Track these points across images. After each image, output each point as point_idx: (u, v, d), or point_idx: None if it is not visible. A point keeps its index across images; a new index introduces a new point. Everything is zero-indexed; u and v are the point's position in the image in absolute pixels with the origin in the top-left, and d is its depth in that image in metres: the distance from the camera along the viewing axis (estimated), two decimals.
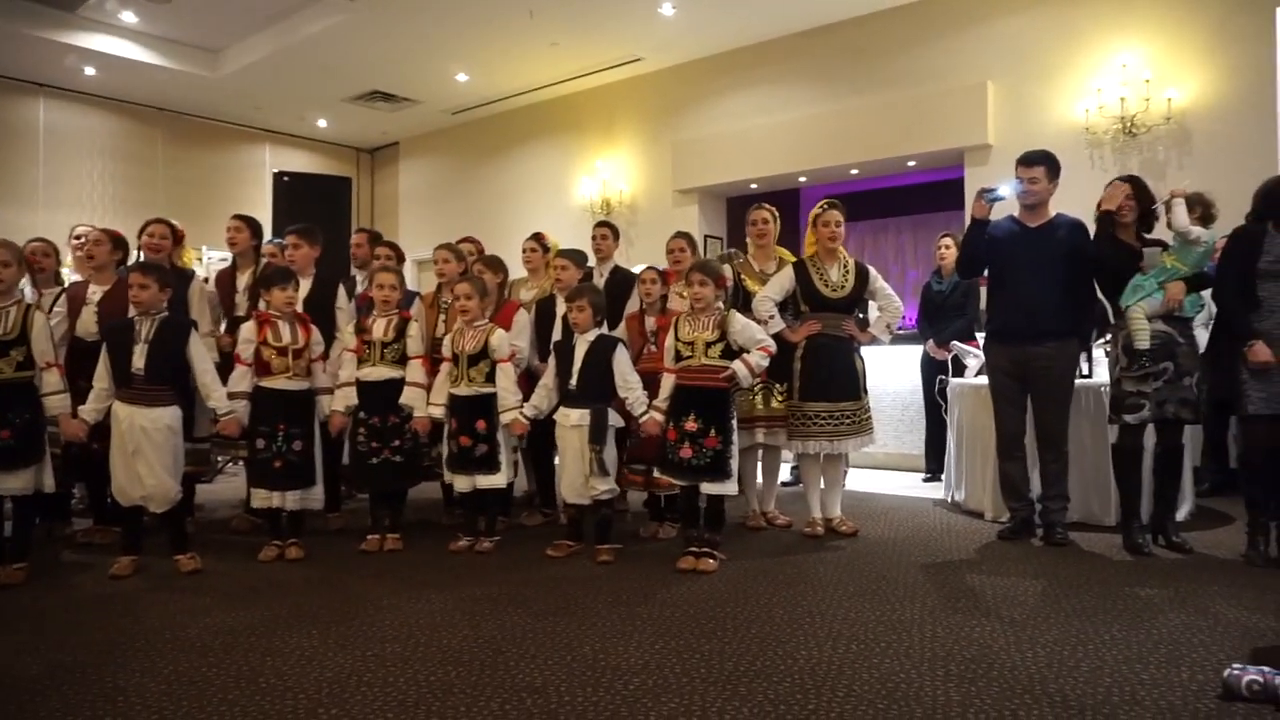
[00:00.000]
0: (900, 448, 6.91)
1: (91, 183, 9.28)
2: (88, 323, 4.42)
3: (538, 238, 5.51)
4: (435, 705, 2.58)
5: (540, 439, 4.72)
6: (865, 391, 4.76)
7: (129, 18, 8.08)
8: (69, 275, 5.49)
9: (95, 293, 4.62)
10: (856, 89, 7.99)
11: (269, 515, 4.43)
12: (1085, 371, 4.98)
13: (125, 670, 2.87)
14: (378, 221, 10.24)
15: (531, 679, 2.79)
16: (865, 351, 4.92)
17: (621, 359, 4.29)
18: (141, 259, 4.75)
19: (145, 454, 3.94)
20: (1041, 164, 4.44)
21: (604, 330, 4.45)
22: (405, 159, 11.21)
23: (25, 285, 4.64)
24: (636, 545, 4.59)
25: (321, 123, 10.44)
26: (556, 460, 5.15)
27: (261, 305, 4.51)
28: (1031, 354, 4.42)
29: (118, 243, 4.82)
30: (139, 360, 3.96)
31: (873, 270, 4.81)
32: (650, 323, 4.80)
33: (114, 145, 9.52)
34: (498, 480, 4.42)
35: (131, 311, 4.16)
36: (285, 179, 7.17)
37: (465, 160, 10.61)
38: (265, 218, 5.88)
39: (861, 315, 5.39)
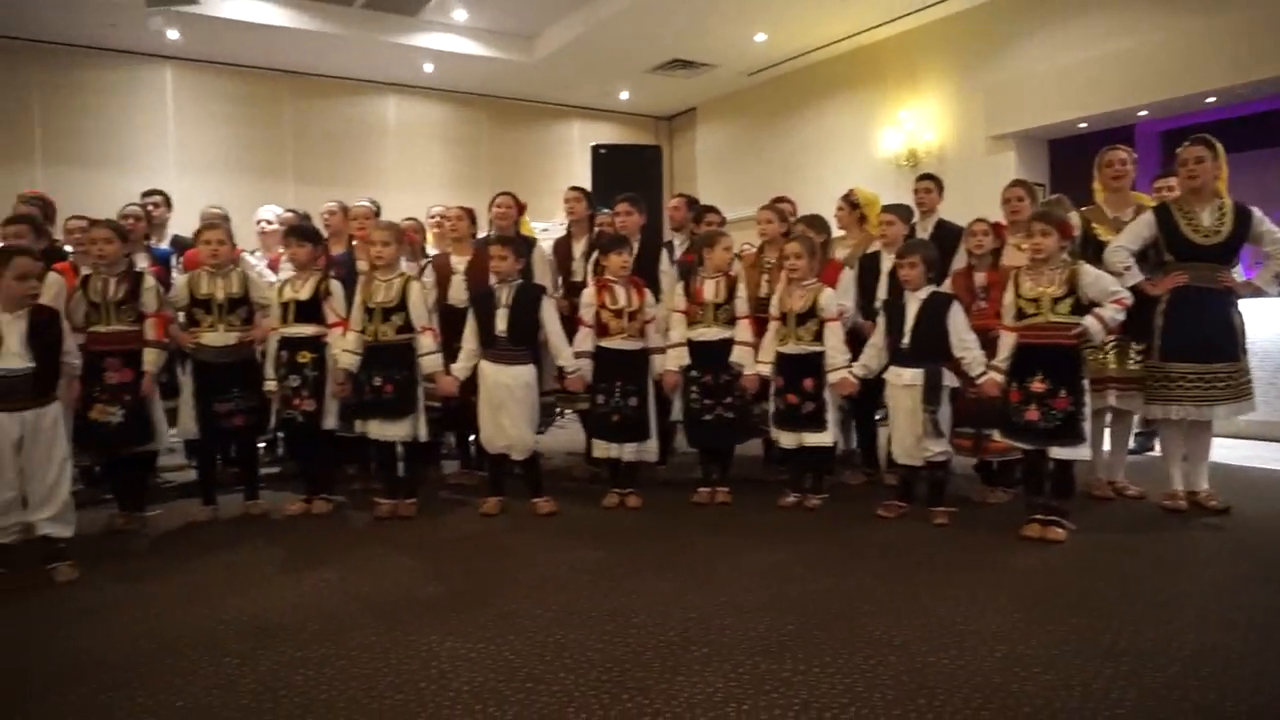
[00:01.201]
0: (1272, 414, 6.02)
1: (430, 166, 10.41)
2: (458, 290, 4.96)
3: (847, 196, 5.39)
4: (801, 653, 2.66)
5: (862, 397, 4.66)
6: (1244, 351, 4.19)
7: (460, 15, 8.91)
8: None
9: (459, 263, 5.17)
10: (1207, 5, 6.96)
11: (609, 465, 4.76)
12: None
13: (515, 598, 3.23)
14: (678, 186, 10.55)
15: (890, 635, 2.78)
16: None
17: (957, 317, 4.11)
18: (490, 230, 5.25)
19: (508, 408, 4.39)
20: None
21: (936, 287, 4.29)
22: (702, 124, 11.43)
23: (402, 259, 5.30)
24: (969, 509, 4.41)
25: (624, 95, 10.91)
26: (878, 418, 5.09)
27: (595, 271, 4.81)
28: None
29: (471, 217, 5.36)
30: (501, 323, 4.40)
31: (1257, 212, 4.19)
32: (979, 278, 4.55)
33: (447, 132, 10.60)
34: (824, 438, 4.43)
35: (492, 279, 4.64)
36: (602, 151, 7.60)
37: (762, 121, 10.62)
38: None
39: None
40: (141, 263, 4.84)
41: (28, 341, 3.45)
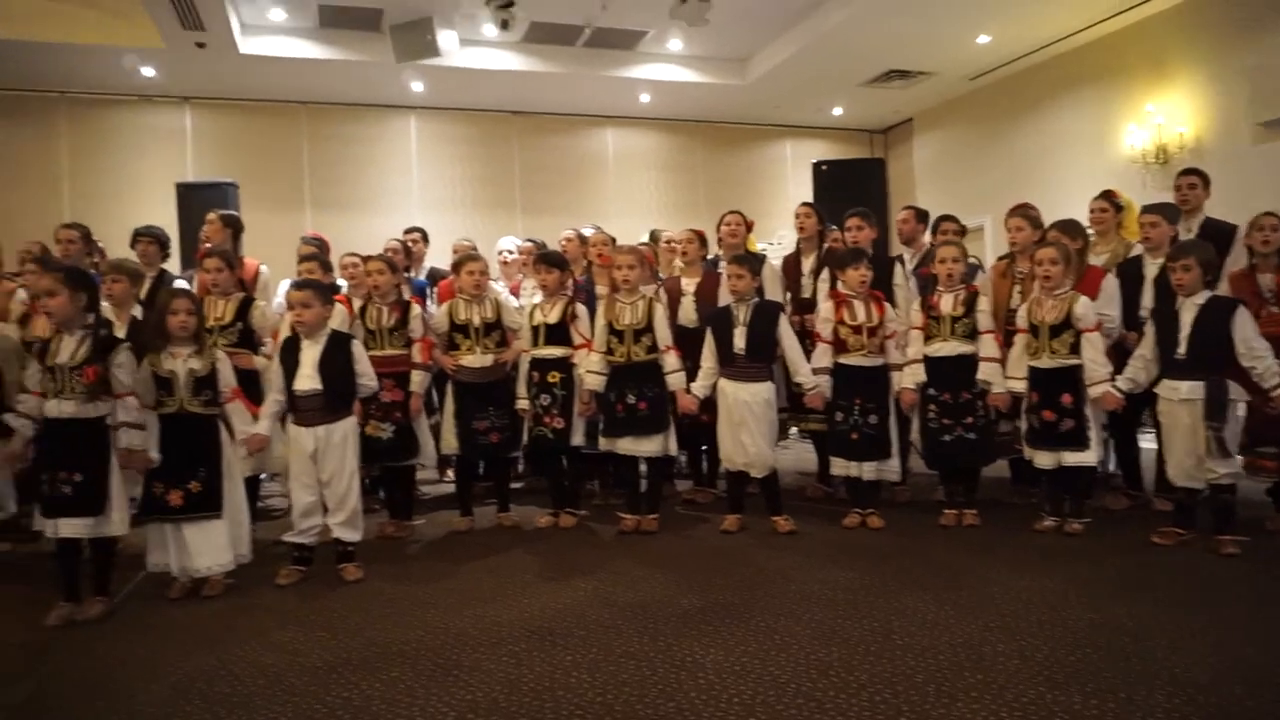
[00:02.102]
0: None
1: (647, 193, 10.74)
2: (688, 311, 5.08)
3: (1107, 195, 5.02)
4: (1090, 686, 2.49)
5: (1123, 414, 4.31)
6: None
7: (675, 45, 9.15)
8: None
9: (689, 285, 5.29)
10: None
11: (848, 483, 4.67)
12: None
13: (772, 614, 3.24)
14: (896, 199, 10.26)
15: (1191, 674, 2.54)
16: None
17: (1245, 323, 3.73)
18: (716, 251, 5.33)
19: (748, 425, 4.43)
20: None
21: (1213, 291, 3.91)
22: (919, 134, 11.06)
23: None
24: (1263, 539, 3.95)
25: (837, 110, 10.77)
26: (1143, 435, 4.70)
27: (824, 287, 4.76)
28: None
29: (702, 239, 5.47)
30: (740, 341, 4.45)
31: None
32: (1266, 280, 4.11)
33: (663, 159, 10.89)
34: (1087, 457, 4.14)
35: (724, 299, 4.71)
36: (823, 167, 7.54)
37: (985, 126, 10.14)
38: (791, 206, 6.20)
39: None
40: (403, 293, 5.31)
41: (319, 366, 3.88)
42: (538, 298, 5.14)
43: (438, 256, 6.76)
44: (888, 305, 4.62)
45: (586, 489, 5.34)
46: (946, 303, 4.47)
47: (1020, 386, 4.29)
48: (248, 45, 7.88)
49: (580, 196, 10.33)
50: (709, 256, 5.67)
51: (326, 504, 3.95)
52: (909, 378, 4.52)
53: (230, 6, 7.24)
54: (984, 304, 4.46)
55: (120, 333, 4.14)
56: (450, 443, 4.73)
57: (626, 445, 4.56)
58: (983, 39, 8.75)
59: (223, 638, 3.23)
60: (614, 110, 10.41)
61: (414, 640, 3.12)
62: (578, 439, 4.70)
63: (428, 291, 5.90)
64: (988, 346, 4.39)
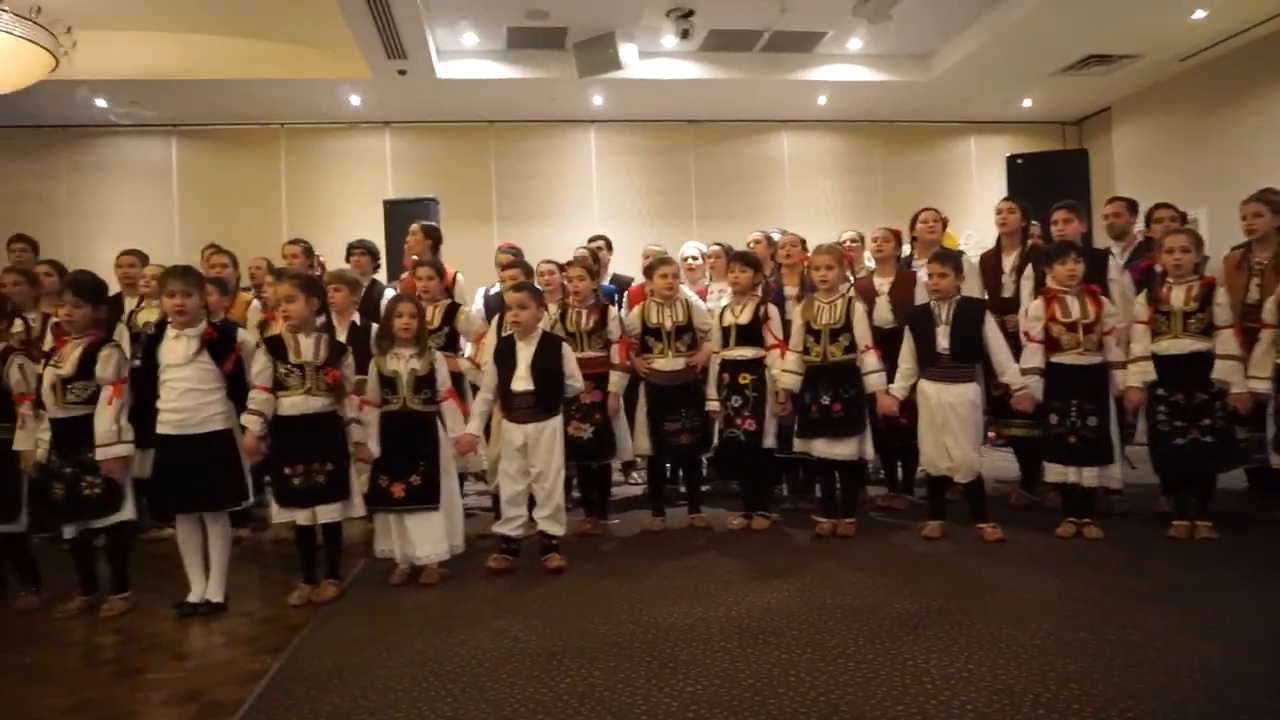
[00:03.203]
0: None
1: (826, 197, 10.56)
2: (883, 310, 4.92)
3: None
4: None
5: None
6: None
7: (855, 44, 8.96)
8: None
9: (883, 284, 5.14)
10: None
11: (1062, 490, 4.39)
12: None
13: (993, 621, 3.08)
14: (1096, 192, 9.60)
15: None
16: None
17: None
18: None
19: (951, 427, 4.25)
20: None
21: None
22: (1120, 122, 10.30)
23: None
24: None
25: (1026, 102, 10.21)
26: None
27: (1033, 283, 4.51)
28: None
29: (897, 238, 5.31)
30: (943, 340, 4.28)
31: None
32: None
33: (839, 162, 10.68)
34: None
35: (920, 297, 4.56)
36: (1019, 161, 7.17)
37: (1196, 110, 9.32)
38: (990, 203, 5.90)
39: None
40: None
41: (532, 367, 4.04)
42: (724, 301, 5.16)
43: (620, 264, 6.90)
44: (1105, 299, 4.31)
45: (776, 492, 5.28)
46: (1178, 296, 4.12)
47: (1264, 387, 3.90)
48: (443, 70, 8.35)
49: (756, 202, 10.29)
50: (902, 255, 5.49)
51: (534, 498, 4.10)
52: (1135, 376, 4.20)
53: (429, 34, 7.70)
54: (1221, 296, 4.08)
55: (341, 337, 4.46)
56: (643, 444, 4.79)
57: (821, 448, 4.48)
58: (1199, 14, 8.05)
59: (445, 622, 3.41)
60: (790, 114, 10.32)
61: (626, 633, 3.18)
62: (770, 441, 4.66)
63: (615, 297, 6.03)
64: (1226, 343, 4.02)
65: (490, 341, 4.62)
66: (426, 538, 3.88)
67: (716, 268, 6.00)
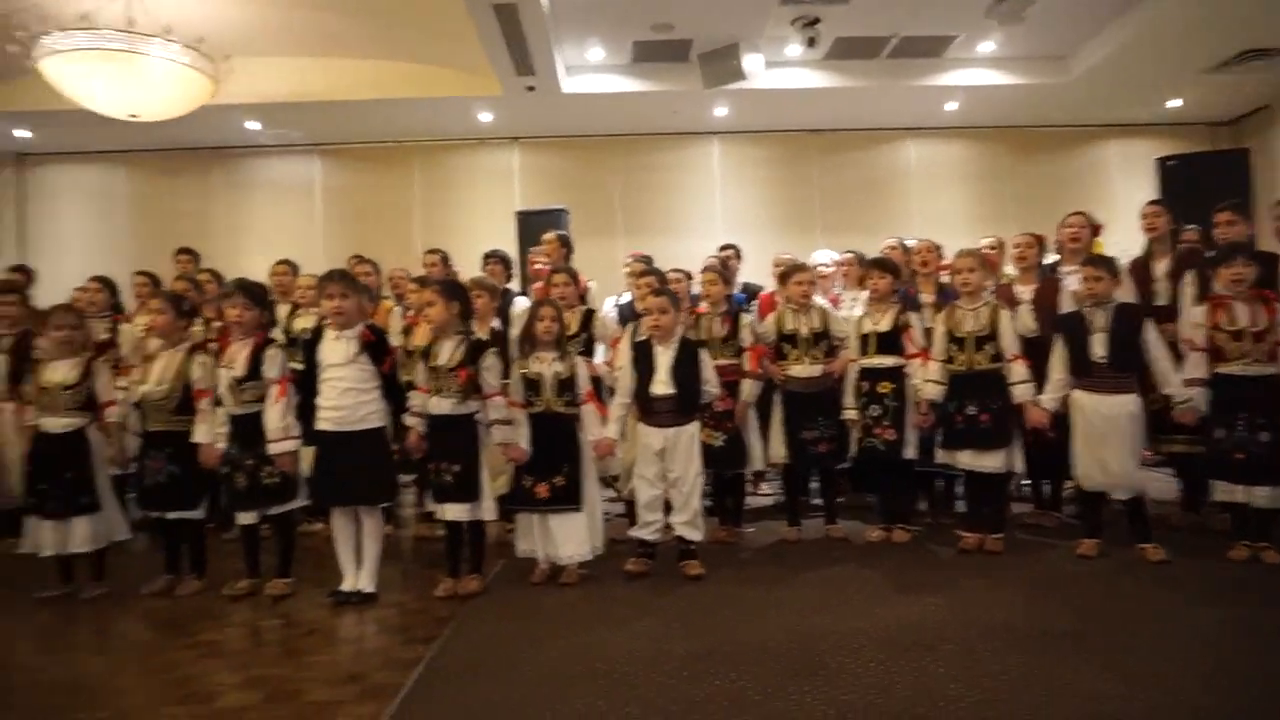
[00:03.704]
0: None
1: (951, 205, 10.24)
2: (1025, 319, 4.72)
3: None
4: None
5: None
6: None
7: (987, 47, 8.69)
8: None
9: (1024, 291, 4.95)
10: None
11: (1232, 511, 4.11)
12: None
13: (1162, 649, 2.90)
14: (1255, 196, 9.00)
15: None
16: None
17: None
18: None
19: (1110, 441, 4.04)
20: None
21: None
22: None
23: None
24: None
25: (1174, 102, 9.67)
26: None
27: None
28: None
29: (1041, 244, 5.11)
30: (1100, 349, 4.08)
31: None
32: None
33: (967, 169, 10.37)
34: None
35: (1066, 305, 4.37)
36: (1170, 163, 6.80)
37: None
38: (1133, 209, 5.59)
39: None
40: None
41: (673, 371, 4.06)
42: (857, 310, 5.06)
43: (746, 276, 6.87)
44: (1278, 306, 4.03)
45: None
46: None
47: None
48: (570, 85, 8.53)
49: (880, 212, 10.07)
50: (1044, 262, 5.27)
51: (671, 503, 4.11)
52: None
53: (556, 51, 7.89)
54: None
55: None
56: (778, 452, 4.74)
57: (967, 459, 4.33)
58: None
59: (588, 621, 3.45)
60: (916, 122, 10.08)
61: (772, 639, 3.14)
62: (910, 452, 4.54)
63: (746, 306, 6.00)
64: None
65: (625, 347, 4.67)
66: (569, 538, 3.93)
67: (849, 276, 5.90)
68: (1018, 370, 4.26)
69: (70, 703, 2.85)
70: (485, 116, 9.31)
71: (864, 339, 4.65)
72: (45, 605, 4.01)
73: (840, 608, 3.48)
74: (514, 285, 6.59)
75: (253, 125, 9.24)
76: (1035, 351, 4.43)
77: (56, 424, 4.06)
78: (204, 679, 3.01)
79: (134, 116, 6.94)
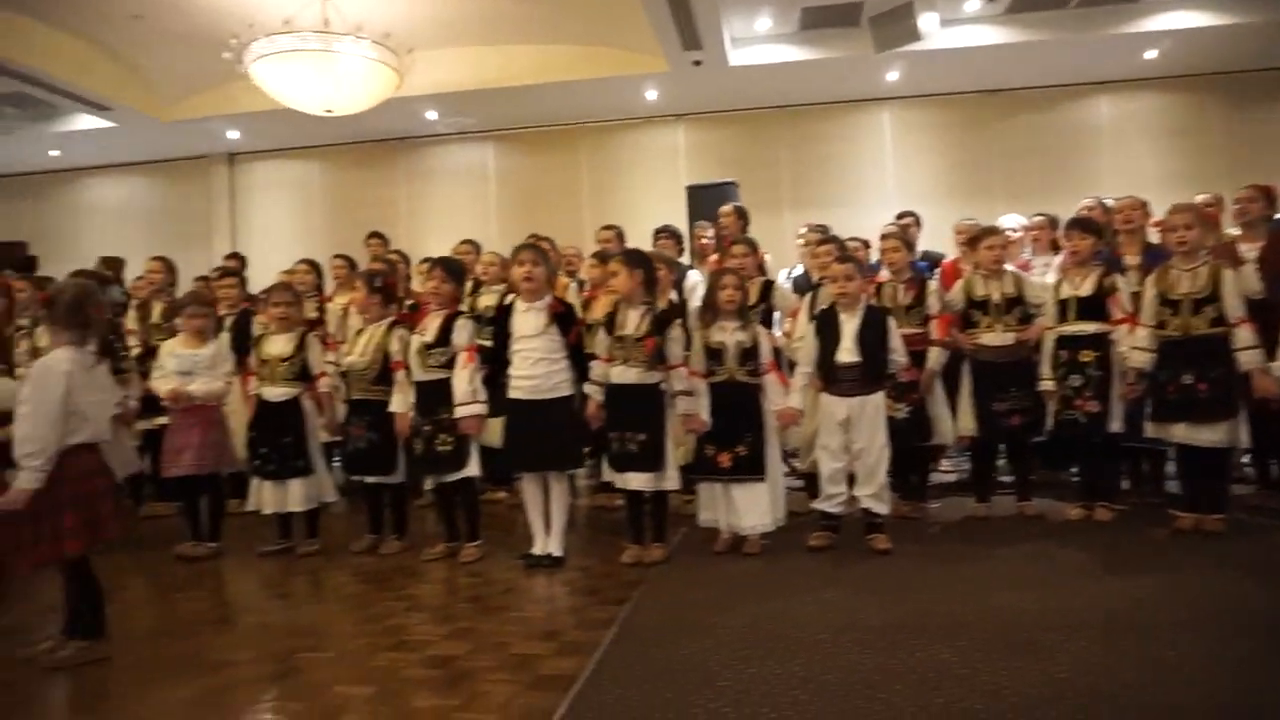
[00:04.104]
0: None
1: (1148, 163, 9.40)
2: (1249, 280, 4.24)
3: None
4: None
5: None
6: None
7: None
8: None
9: (1249, 249, 4.48)
10: None
11: None
12: None
13: None
14: None
15: None
16: None
17: None
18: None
19: None
20: None
21: None
22: None
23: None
24: None
25: None
26: None
27: None
28: None
29: (1269, 196, 4.63)
30: None
31: None
32: None
33: (1167, 123, 9.50)
34: None
35: None
36: None
37: None
38: None
39: None
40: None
41: (858, 339, 3.95)
42: (1050, 277, 4.75)
43: (923, 245, 6.59)
44: None
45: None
46: None
47: None
48: (736, 57, 8.43)
49: (1068, 174, 9.39)
50: (1276, 216, 4.76)
51: (855, 475, 4.01)
52: None
53: (724, 23, 7.80)
54: None
55: None
56: (967, 425, 4.53)
57: (1181, 433, 3.98)
58: None
59: (774, 590, 3.43)
60: (1109, 74, 9.32)
61: (971, 615, 3.01)
62: (1116, 425, 4.23)
63: (927, 274, 5.76)
64: None
65: (804, 318, 4.59)
66: (752, 508, 3.91)
67: (1040, 240, 5.57)
68: (1243, 335, 3.87)
69: (298, 644, 3.10)
70: (651, 95, 9.36)
71: (1062, 305, 4.35)
72: (267, 559, 4.39)
73: (1042, 586, 3.30)
74: (684, 259, 6.61)
75: (431, 115, 9.68)
76: (1261, 314, 4.02)
77: (275, 393, 4.42)
78: (413, 629, 3.20)
79: (329, 111, 7.43)
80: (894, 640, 2.80)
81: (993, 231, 4.56)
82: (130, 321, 5.66)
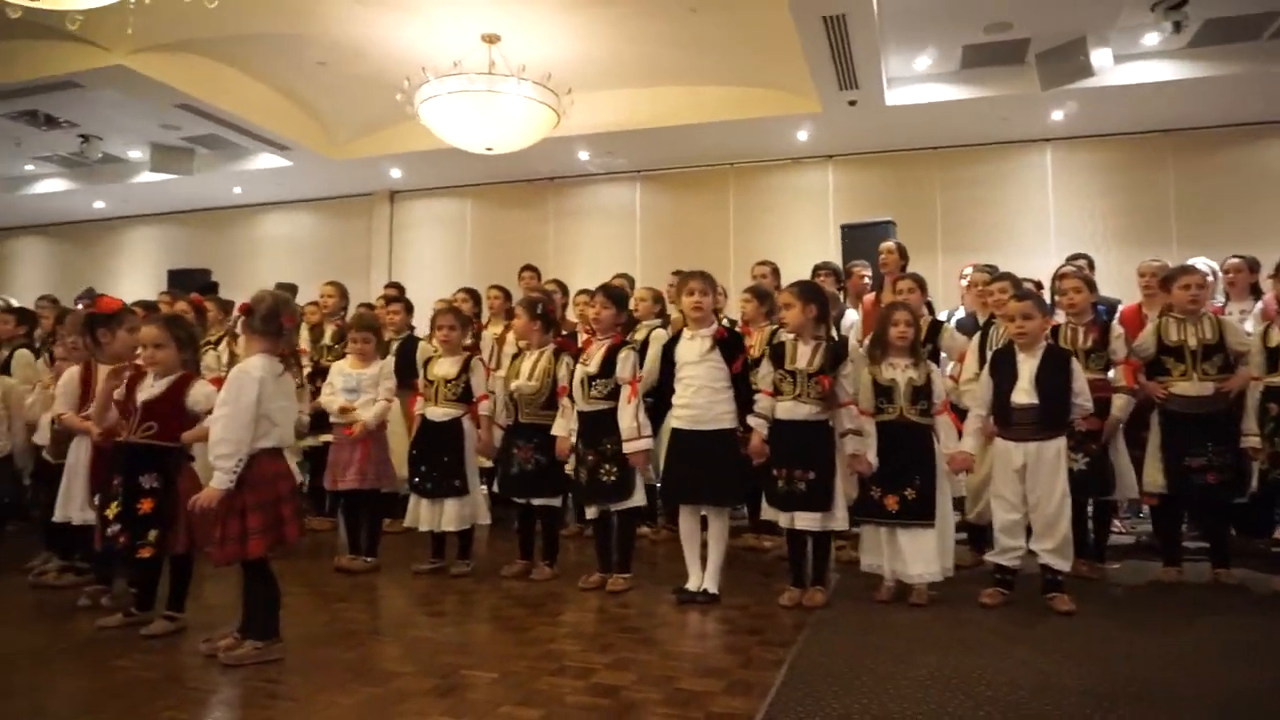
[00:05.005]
0: None
1: None
2: None
3: None
4: None
5: None
6: None
7: None
8: None
9: None
10: None
11: None
12: None
13: None
14: None
15: None
16: None
17: None
18: None
19: None
20: None
21: None
22: None
23: None
24: None
25: None
26: None
27: None
28: None
29: None
30: None
31: None
32: None
33: None
34: None
35: None
36: None
37: None
38: None
39: None
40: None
41: (1036, 380, 3.70)
42: (1249, 324, 4.37)
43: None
44: None
45: None
46: None
47: None
48: (893, 97, 8.26)
49: (1254, 219, 8.69)
50: None
51: (1032, 526, 3.74)
52: None
53: (883, 62, 7.68)
54: None
55: None
56: (1155, 480, 4.18)
57: None
58: None
59: (951, 644, 3.21)
60: None
61: (1185, 685, 2.72)
62: None
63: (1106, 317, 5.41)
64: None
65: (973, 360, 4.38)
66: (919, 555, 3.70)
67: (1236, 284, 5.15)
68: None
69: (459, 661, 3.09)
70: (802, 135, 9.29)
71: (1271, 353, 3.97)
72: (421, 577, 4.46)
73: (1260, 660, 2.96)
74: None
75: (583, 155, 9.91)
76: None
77: (438, 413, 4.52)
78: (574, 655, 3.15)
79: (489, 150, 7.72)
80: (1102, 707, 2.55)
81: (1188, 270, 4.23)
82: (303, 342, 5.96)
